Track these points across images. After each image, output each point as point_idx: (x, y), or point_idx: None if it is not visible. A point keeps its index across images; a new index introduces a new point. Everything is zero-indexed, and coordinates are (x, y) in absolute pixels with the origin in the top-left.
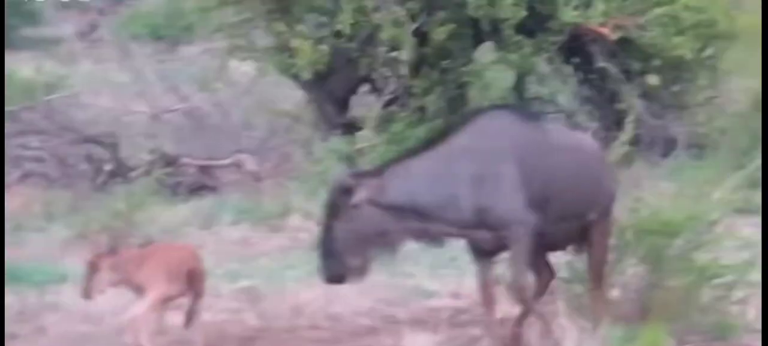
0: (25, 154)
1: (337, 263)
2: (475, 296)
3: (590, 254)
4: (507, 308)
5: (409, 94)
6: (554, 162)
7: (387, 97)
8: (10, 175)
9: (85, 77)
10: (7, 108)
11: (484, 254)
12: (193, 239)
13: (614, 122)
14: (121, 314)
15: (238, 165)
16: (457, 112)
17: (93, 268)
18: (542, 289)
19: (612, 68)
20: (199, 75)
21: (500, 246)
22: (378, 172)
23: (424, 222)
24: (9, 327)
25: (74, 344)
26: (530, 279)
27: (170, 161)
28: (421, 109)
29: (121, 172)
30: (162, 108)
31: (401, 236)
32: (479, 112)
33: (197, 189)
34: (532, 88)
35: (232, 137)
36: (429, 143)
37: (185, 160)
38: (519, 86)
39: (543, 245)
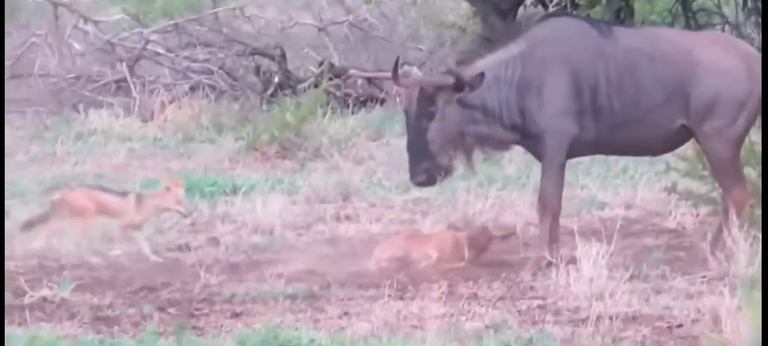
0: (193, 66)
1: (432, 164)
2: (648, 207)
3: (708, 161)
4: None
5: (575, 5)
6: (613, 71)
7: (553, 9)
8: (179, 87)
9: None
10: (173, 20)
11: None
12: (362, 150)
13: None
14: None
15: (406, 77)
16: (624, 24)
17: None
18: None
19: None
20: None
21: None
22: (459, 72)
23: (489, 126)
24: (182, 238)
25: (246, 254)
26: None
27: (338, 73)
28: None
29: (289, 83)
30: (328, 20)
31: (472, 139)
32: (542, 19)
33: (365, 101)
34: (698, 0)
35: (398, 49)
36: (493, 46)
37: (353, 72)
38: None
39: (606, 151)
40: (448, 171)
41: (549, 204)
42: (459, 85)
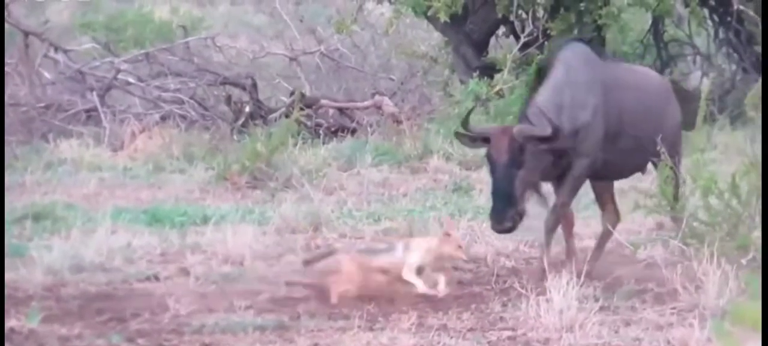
0: (164, 96)
1: (515, 211)
2: (619, 238)
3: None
4: None
5: (547, 36)
6: (628, 96)
7: (524, 40)
8: (150, 116)
9: (222, 19)
10: (144, 50)
11: None
12: (333, 180)
13: (752, 65)
14: (263, 256)
15: (377, 107)
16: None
17: None
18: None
19: (749, 11)
20: (336, 17)
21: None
22: (526, 116)
23: (555, 159)
24: (152, 268)
25: (217, 285)
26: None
27: (309, 103)
28: None
29: (260, 113)
30: (300, 50)
31: (543, 176)
32: (566, 43)
33: (337, 131)
34: (669, 31)
35: (369, 79)
36: (539, 80)
37: (324, 102)
38: (656, 29)
39: (610, 175)
40: (523, 215)
41: (572, 220)
42: (553, 136)
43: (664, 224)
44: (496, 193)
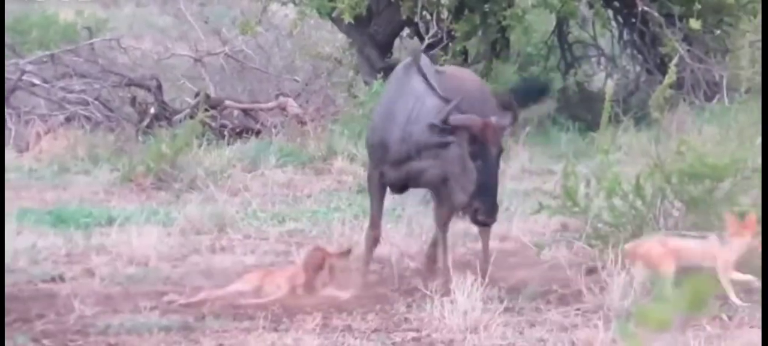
0: (69, 97)
1: None
2: (523, 239)
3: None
4: None
5: (451, 37)
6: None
7: (429, 41)
8: (55, 117)
9: (127, 20)
10: (49, 51)
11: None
12: (238, 181)
13: (656, 66)
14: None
15: (281, 108)
16: (500, 56)
17: None
18: None
19: (653, 12)
20: (241, 18)
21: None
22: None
23: None
24: (57, 269)
25: (122, 286)
26: None
27: (214, 104)
28: (464, 52)
29: (165, 115)
30: (204, 51)
31: None
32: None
33: (241, 132)
34: (574, 32)
35: (274, 81)
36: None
37: (229, 103)
38: (560, 30)
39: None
40: None
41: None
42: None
43: (568, 225)
44: (492, 184)
